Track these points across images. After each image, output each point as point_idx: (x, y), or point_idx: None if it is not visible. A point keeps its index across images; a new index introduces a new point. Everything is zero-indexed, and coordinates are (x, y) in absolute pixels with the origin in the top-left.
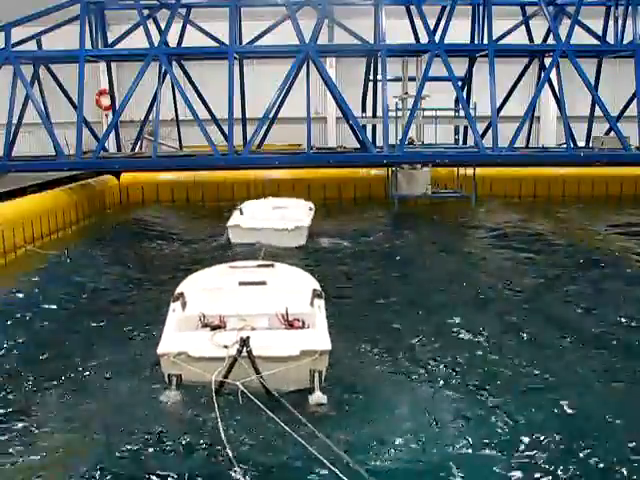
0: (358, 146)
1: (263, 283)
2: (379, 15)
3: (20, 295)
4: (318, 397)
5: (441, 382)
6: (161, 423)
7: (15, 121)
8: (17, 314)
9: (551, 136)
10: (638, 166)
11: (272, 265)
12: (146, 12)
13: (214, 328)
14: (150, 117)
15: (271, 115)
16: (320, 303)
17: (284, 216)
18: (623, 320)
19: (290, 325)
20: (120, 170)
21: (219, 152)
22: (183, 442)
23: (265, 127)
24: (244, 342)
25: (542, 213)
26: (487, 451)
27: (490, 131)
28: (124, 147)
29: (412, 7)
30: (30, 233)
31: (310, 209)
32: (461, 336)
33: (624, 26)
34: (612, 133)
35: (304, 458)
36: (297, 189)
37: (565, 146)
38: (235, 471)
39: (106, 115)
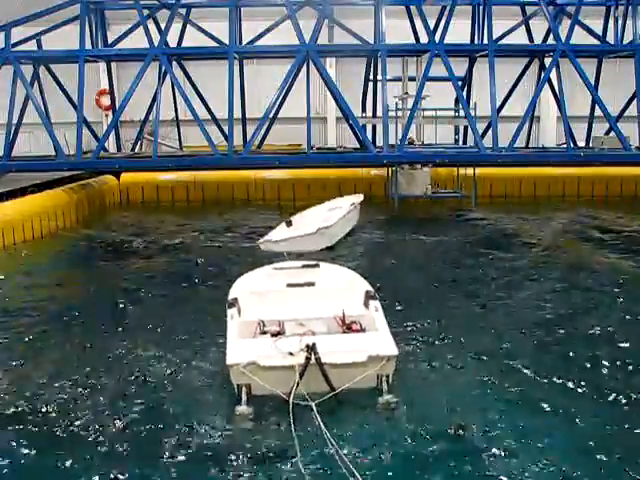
0: (358, 146)
1: (311, 284)
2: (379, 15)
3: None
4: (388, 399)
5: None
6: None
7: (15, 121)
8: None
9: (551, 136)
10: (638, 166)
11: (317, 265)
12: (146, 12)
13: (274, 334)
14: (150, 117)
15: (271, 115)
16: (376, 304)
17: (321, 219)
18: None
19: (348, 328)
20: (120, 170)
21: (219, 152)
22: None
23: (265, 127)
24: (311, 349)
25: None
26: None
27: (490, 131)
28: (124, 147)
29: (412, 7)
30: (30, 233)
31: (352, 204)
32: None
33: (624, 26)
34: (612, 133)
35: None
36: (297, 189)
37: (565, 146)
38: None
39: (106, 115)
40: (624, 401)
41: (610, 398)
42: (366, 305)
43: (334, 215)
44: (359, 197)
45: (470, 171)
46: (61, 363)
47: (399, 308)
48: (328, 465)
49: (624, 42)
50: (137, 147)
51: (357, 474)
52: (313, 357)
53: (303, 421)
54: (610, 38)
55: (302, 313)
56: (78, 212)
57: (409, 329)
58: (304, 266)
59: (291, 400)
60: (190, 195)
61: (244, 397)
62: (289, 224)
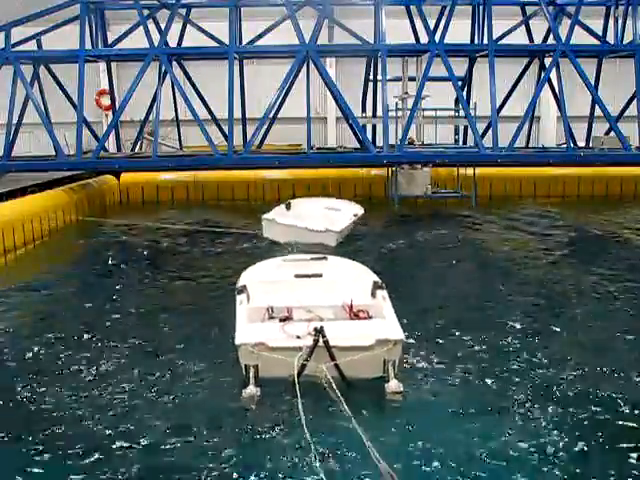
0: (358, 146)
1: (319, 275)
2: (379, 15)
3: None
4: (395, 385)
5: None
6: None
7: (15, 121)
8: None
9: (551, 136)
10: (638, 166)
11: (325, 258)
12: (146, 12)
13: (282, 320)
14: (150, 117)
15: (271, 115)
16: (383, 294)
17: (326, 217)
18: None
19: (356, 316)
20: (120, 170)
21: (219, 152)
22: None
23: (265, 127)
24: (319, 332)
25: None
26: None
27: (490, 131)
28: (124, 147)
29: (412, 7)
30: (30, 233)
31: (354, 215)
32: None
33: (624, 26)
34: (612, 133)
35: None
36: (297, 189)
37: (565, 146)
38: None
39: (106, 115)
40: None
41: None
42: (373, 295)
43: (341, 220)
44: (360, 209)
45: (470, 171)
46: (60, 360)
47: (399, 307)
48: (336, 440)
49: (624, 42)
50: (137, 147)
51: (368, 443)
52: (321, 339)
53: (311, 400)
54: (610, 38)
55: (310, 301)
56: (78, 212)
57: (409, 329)
58: (312, 259)
59: (296, 372)
60: (190, 195)
61: (252, 378)
62: (288, 207)
